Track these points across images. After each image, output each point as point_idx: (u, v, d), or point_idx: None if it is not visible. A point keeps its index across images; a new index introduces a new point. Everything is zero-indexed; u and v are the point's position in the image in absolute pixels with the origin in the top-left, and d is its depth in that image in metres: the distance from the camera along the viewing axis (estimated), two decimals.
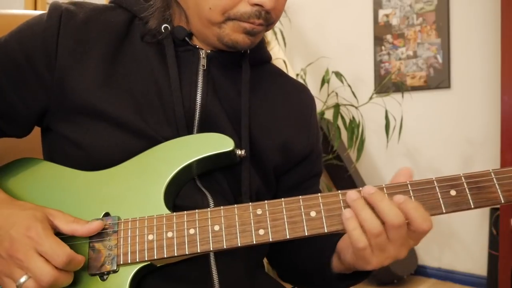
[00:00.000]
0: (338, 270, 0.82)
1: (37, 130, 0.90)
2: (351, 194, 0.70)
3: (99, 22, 0.84)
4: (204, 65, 0.87)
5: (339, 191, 0.72)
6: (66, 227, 0.72)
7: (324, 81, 2.91)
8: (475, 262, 2.93)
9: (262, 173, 0.90)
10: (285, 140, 0.93)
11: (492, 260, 2.68)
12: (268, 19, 0.82)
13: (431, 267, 3.12)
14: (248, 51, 0.92)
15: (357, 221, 0.68)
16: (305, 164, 0.98)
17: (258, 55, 0.96)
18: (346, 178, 3.07)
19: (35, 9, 3.05)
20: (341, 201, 0.72)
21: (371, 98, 2.94)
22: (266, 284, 0.95)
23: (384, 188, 0.72)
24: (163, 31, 0.85)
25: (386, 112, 2.81)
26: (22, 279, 0.66)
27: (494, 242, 2.65)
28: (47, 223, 0.71)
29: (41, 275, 0.66)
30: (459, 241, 3.04)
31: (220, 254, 0.82)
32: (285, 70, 1.05)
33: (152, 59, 0.85)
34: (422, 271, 3.15)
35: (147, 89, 0.83)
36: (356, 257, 0.71)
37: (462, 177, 0.71)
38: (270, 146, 0.91)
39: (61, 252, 0.68)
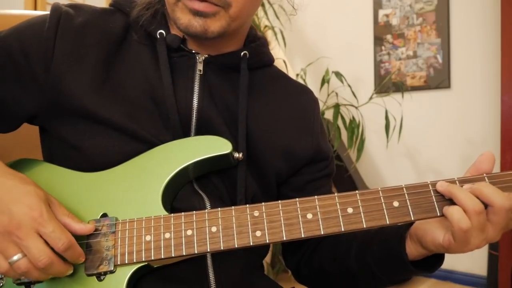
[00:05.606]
0: (413, 257, 0.79)
1: (35, 130, 0.90)
2: (442, 182, 0.71)
3: (97, 26, 0.84)
4: (201, 70, 0.87)
5: (336, 194, 0.73)
6: (60, 218, 0.71)
7: (324, 81, 2.91)
8: (475, 262, 2.93)
9: (259, 178, 0.90)
10: (286, 144, 0.92)
11: (492, 260, 2.68)
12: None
13: None
14: (247, 55, 0.91)
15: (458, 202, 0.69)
16: (312, 165, 0.97)
17: (258, 58, 0.95)
18: (346, 178, 3.06)
19: (35, 9, 3.05)
20: (338, 203, 0.72)
21: (371, 98, 2.94)
22: (265, 285, 0.95)
23: (380, 191, 0.73)
24: (158, 36, 0.85)
25: (386, 112, 2.81)
26: (16, 257, 0.65)
27: (494, 242, 2.65)
28: (48, 205, 0.70)
29: (39, 256, 0.65)
30: None
31: (217, 255, 0.82)
32: (285, 70, 1.05)
33: (147, 65, 0.85)
34: None
35: (142, 95, 0.83)
36: (456, 238, 0.69)
37: (457, 181, 0.72)
38: (270, 151, 0.90)
39: (63, 236, 0.67)
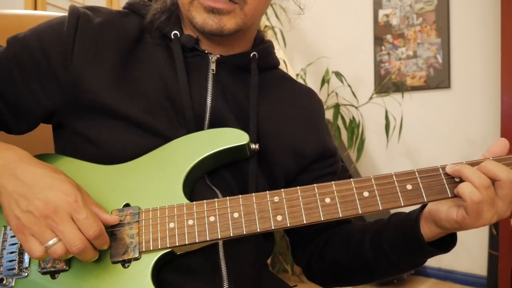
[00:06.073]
0: (428, 238, 0.81)
1: (47, 128, 0.92)
2: (451, 165, 0.75)
3: (114, 27, 0.87)
4: (213, 70, 0.90)
5: (351, 180, 0.76)
6: (90, 207, 0.72)
7: (324, 81, 2.93)
8: (475, 262, 2.94)
9: (268, 176, 0.93)
10: (295, 143, 0.95)
11: (492, 260, 2.69)
12: None
13: (431, 267, 3.13)
14: (257, 56, 0.94)
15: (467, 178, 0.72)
16: (319, 162, 1.00)
17: (267, 60, 0.99)
18: (346, 178, 3.05)
19: (35, 9, 3.05)
20: (354, 188, 0.75)
21: (371, 98, 2.96)
22: (272, 279, 0.98)
23: (394, 176, 0.76)
24: (173, 37, 0.88)
25: (386, 112, 2.82)
26: (52, 241, 0.67)
27: (494, 242, 2.66)
28: (81, 192, 0.72)
29: (74, 241, 0.67)
30: (459, 241, 2.91)
31: (229, 249, 0.84)
32: (285, 70, 1.09)
33: (162, 64, 0.88)
34: (422, 271, 3.15)
35: (158, 93, 0.86)
36: (469, 213, 0.71)
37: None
38: (279, 149, 0.93)
39: (95, 224, 0.69)
